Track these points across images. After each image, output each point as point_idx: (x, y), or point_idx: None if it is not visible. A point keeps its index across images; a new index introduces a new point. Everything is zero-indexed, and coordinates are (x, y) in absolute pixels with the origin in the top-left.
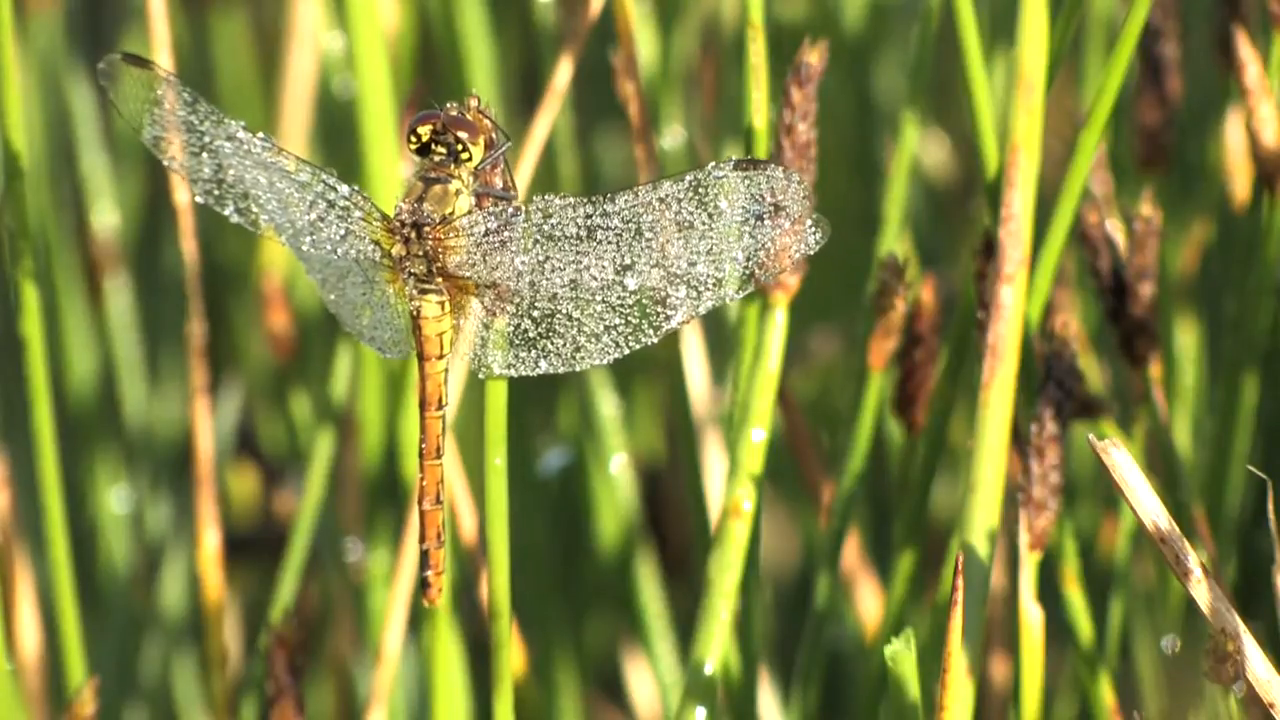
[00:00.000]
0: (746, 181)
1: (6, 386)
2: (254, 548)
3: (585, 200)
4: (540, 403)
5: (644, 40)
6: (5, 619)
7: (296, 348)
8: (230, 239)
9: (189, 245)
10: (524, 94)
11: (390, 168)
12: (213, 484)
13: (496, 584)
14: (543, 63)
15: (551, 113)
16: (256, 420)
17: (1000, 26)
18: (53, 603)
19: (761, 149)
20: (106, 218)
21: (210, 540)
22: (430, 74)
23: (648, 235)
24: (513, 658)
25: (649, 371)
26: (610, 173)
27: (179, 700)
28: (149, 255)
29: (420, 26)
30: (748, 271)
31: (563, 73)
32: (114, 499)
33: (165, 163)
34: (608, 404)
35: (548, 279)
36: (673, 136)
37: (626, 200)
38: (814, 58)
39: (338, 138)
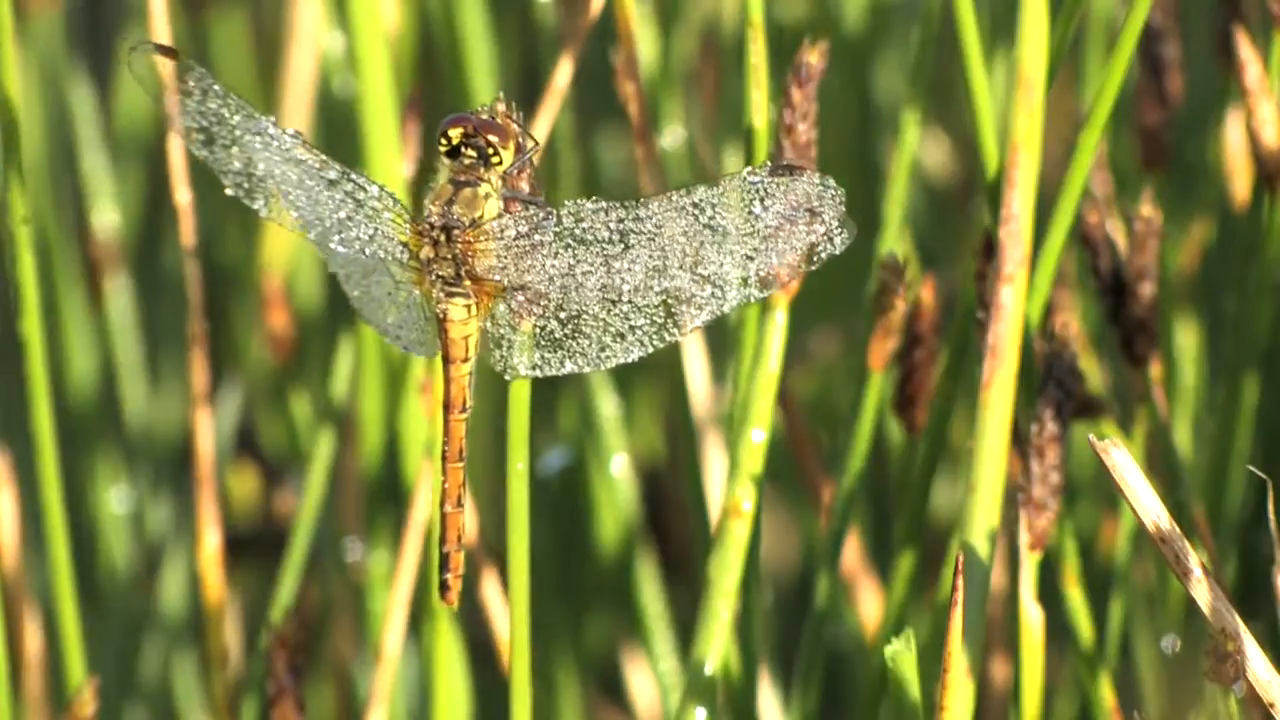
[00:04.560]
0: (781, 188)
1: (6, 386)
2: (254, 548)
3: (618, 204)
4: (540, 403)
5: (644, 40)
6: (5, 619)
7: (296, 348)
8: (230, 239)
9: (189, 245)
10: (524, 94)
11: (392, 168)
12: (213, 484)
13: (515, 588)
14: (543, 63)
15: (551, 113)
16: (256, 420)
17: (1000, 26)
18: (53, 603)
19: (761, 149)
20: (106, 218)
21: (210, 540)
22: (431, 74)
23: (680, 240)
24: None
25: (649, 371)
26: (610, 173)
27: (179, 700)
28: (149, 255)
29: (421, 26)
30: (775, 272)
31: (563, 73)
32: (114, 499)
33: (196, 154)
34: (608, 404)
35: (578, 282)
36: (673, 136)
37: (659, 205)
38: (814, 58)
39: (338, 138)
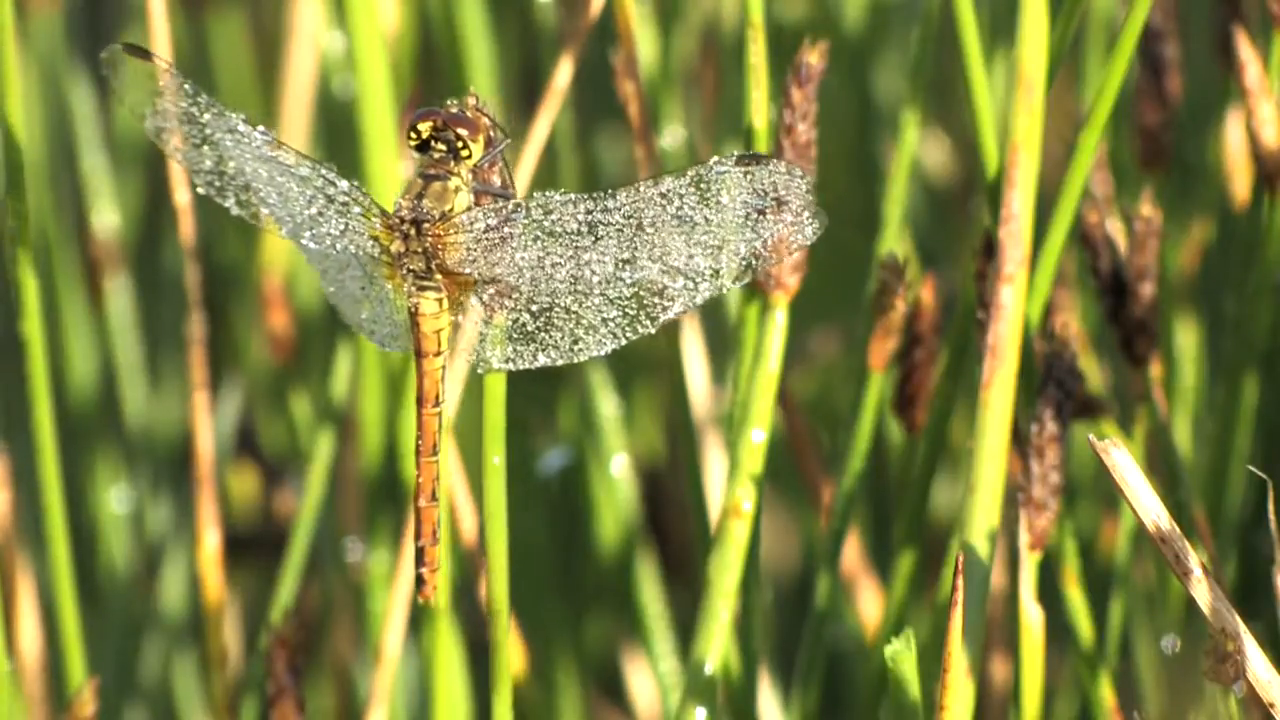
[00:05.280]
0: (749, 176)
1: (6, 386)
2: (254, 548)
3: (586, 196)
4: (540, 403)
5: (644, 40)
6: (5, 619)
7: (296, 348)
8: (230, 239)
9: (189, 245)
10: (524, 94)
11: (391, 168)
12: (213, 484)
13: (495, 583)
14: (543, 63)
15: (551, 113)
16: (256, 420)
17: (1000, 26)
18: (53, 603)
19: (761, 149)
20: (106, 218)
21: (210, 540)
22: (430, 74)
23: (649, 230)
24: (513, 658)
25: (649, 371)
26: (611, 172)
27: (179, 700)
28: (149, 255)
29: (420, 26)
30: (746, 263)
31: (563, 73)
32: (114, 499)
33: (167, 154)
34: (608, 404)
35: (548, 275)
36: (673, 136)
37: (627, 196)
38: (814, 58)
39: (338, 138)
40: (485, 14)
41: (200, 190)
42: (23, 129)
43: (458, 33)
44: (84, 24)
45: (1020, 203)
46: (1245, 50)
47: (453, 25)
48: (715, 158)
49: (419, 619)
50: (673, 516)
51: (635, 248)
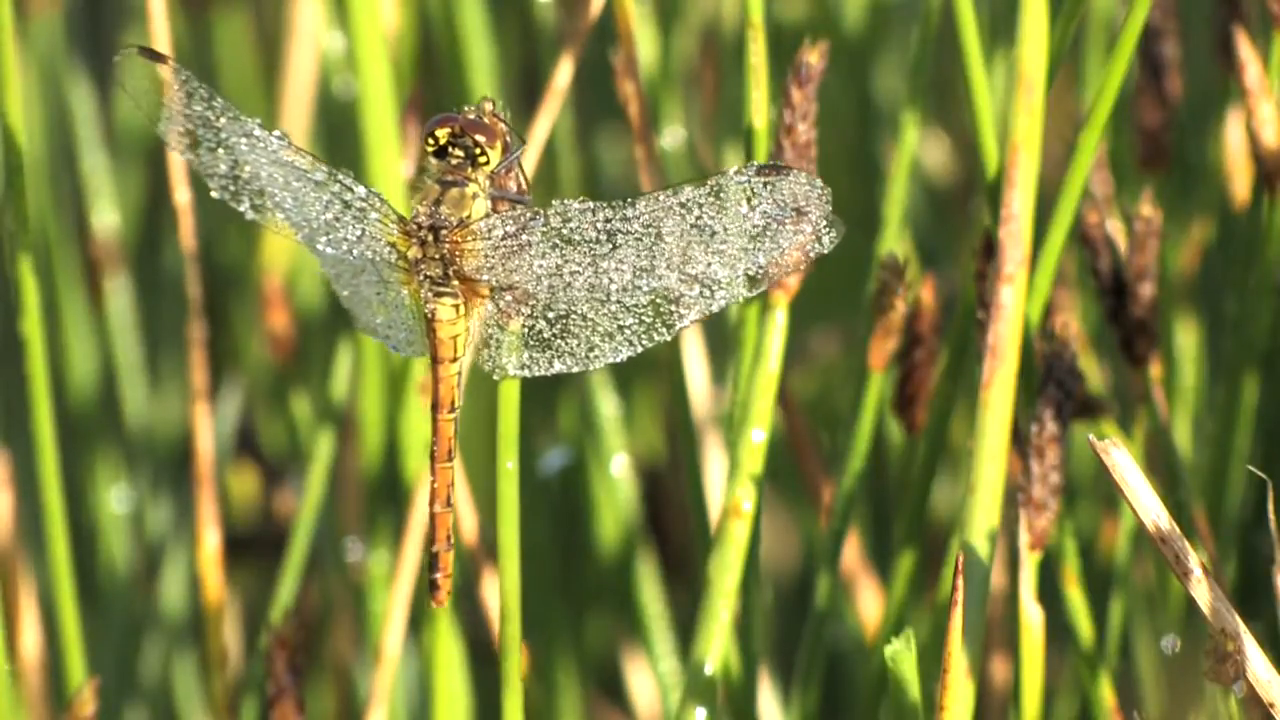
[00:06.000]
0: (769, 187)
1: (6, 386)
2: (254, 548)
3: (605, 204)
4: (540, 403)
5: (644, 40)
6: (5, 619)
7: (296, 348)
8: (230, 239)
9: (189, 245)
10: (524, 94)
11: (391, 168)
12: (213, 484)
13: (507, 588)
14: (543, 63)
15: (551, 113)
16: (256, 420)
17: (1000, 26)
18: (53, 603)
19: (761, 149)
20: (106, 218)
21: (210, 540)
22: (430, 74)
23: (667, 239)
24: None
25: (649, 371)
26: (610, 173)
27: (179, 700)
28: (149, 255)
29: (420, 26)
30: (763, 271)
31: (563, 73)
32: (114, 499)
33: (182, 157)
34: (608, 404)
35: (565, 282)
36: (673, 136)
37: (647, 204)
38: (814, 58)
39: (338, 138)
40: (485, 14)
41: (215, 194)
42: (23, 129)
43: (458, 33)
44: (84, 24)
45: (1020, 203)
46: (1245, 50)
47: (453, 25)
48: (735, 167)
49: (419, 619)
50: (673, 516)
51: (653, 256)
